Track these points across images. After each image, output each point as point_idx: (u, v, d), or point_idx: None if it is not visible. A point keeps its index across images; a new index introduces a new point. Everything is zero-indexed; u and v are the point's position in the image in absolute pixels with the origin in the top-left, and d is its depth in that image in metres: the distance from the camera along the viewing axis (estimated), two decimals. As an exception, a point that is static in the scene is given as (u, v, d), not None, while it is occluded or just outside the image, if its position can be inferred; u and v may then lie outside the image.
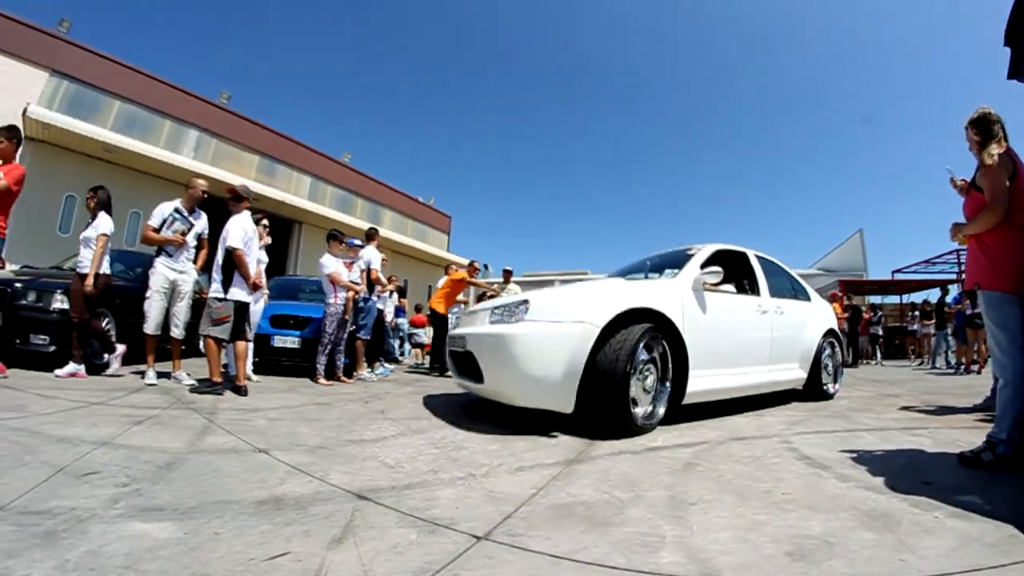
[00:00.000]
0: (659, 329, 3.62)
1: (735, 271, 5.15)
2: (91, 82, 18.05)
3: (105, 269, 5.18)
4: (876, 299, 22.15)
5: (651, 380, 3.61)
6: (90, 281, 4.98)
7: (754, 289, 5.07)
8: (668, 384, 3.73)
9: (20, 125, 15.58)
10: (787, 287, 5.71)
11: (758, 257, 5.37)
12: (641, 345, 3.40)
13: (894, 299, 22.72)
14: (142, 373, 5.12)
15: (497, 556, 1.52)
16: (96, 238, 5.12)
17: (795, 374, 5.25)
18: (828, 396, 5.53)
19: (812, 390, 5.45)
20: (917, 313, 15.59)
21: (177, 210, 5.29)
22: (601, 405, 3.28)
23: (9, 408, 3.28)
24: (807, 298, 5.95)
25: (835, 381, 5.82)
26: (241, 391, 4.66)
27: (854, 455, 2.73)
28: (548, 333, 3.34)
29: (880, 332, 16.32)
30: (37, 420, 3.02)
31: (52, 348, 5.23)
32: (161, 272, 5.15)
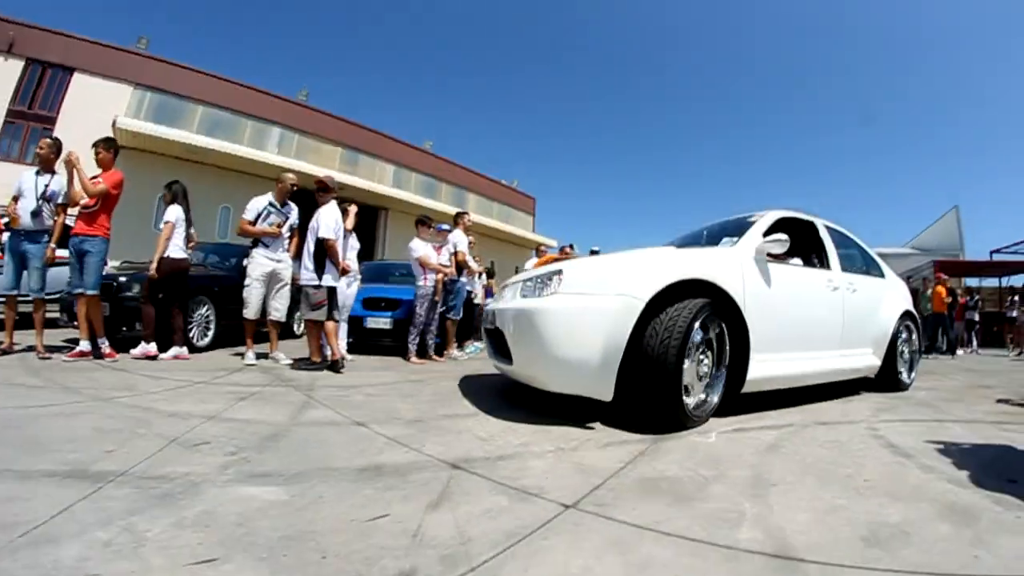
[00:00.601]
0: (716, 305, 3.17)
1: (801, 243, 4.58)
2: (173, 91, 19.81)
3: (177, 254, 5.46)
4: (973, 281, 20.55)
5: (707, 365, 3.20)
6: (153, 266, 5.32)
7: (823, 263, 4.53)
8: (724, 369, 3.32)
9: (112, 136, 16.96)
10: (859, 261, 5.14)
11: (827, 227, 4.80)
12: (697, 324, 2.97)
13: (992, 282, 20.79)
14: (240, 355, 5.50)
15: (583, 524, 1.63)
16: (162, 226, 5.47)
17: (868, 361, 4.70)
18: (903, 387, 4.98)
19: (885, 379, 4.88)
20: (1016, 298, 14.15)
21: (271, 203, 5.62)
22: (648, 393, 2.92)
23: (122, 388, 3.60)
24: (881, 274, 5.36)
25: (911, 370, 5.26)
26: (337, 368, 4.97)
27: (940, 446, 2.67)
28: (583, 308, 2.95)
29: (976, 318, 14.84)
30: (148, 398, 3.31)
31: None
32: (260, 262, 5.49)
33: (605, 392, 2.90)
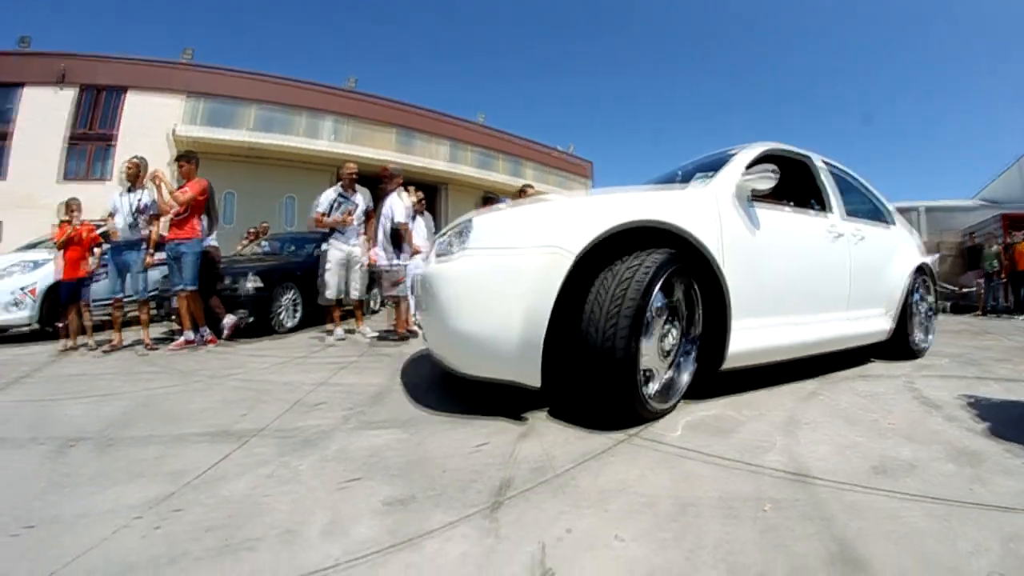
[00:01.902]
0: (683, 260, 2.51)
1: (794, 185, 3.95)
2: (224, 94, 21.08)
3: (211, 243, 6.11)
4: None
5: (672, 337, 2.60)
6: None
7: (823, 207, 3.79)
8: (695, 341, 2.74)
9: (171, 145, 18.76)
10: (865, 206, 4.38)
11: (826, 164, 4.04)
12: (657, 287, 2.31)
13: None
14: (329, 332, 6.10)
15: (638, 448, 2.06)
16: None
17: (878, 324, 4.01)
18: (918, 352, 4.32)
19: (897, 345, 4.21)
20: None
21: (340, 194, 6.09)
22: (591, 385, 2.30)
23: (232, 367, 4.17)
24: (890, 221, 4.60)
25: (927, 333, 4.62)
26: (409, 339, 5.65)
27: (971, 400, 2.82)
28: (493, 267, 2.37)
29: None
30: (259, 373, 3.85)
31: (251, 319, 6.35)
32: (335, 250, 6.00)
33: (529, 376, 2.31)
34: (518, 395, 2.57)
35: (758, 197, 3.06)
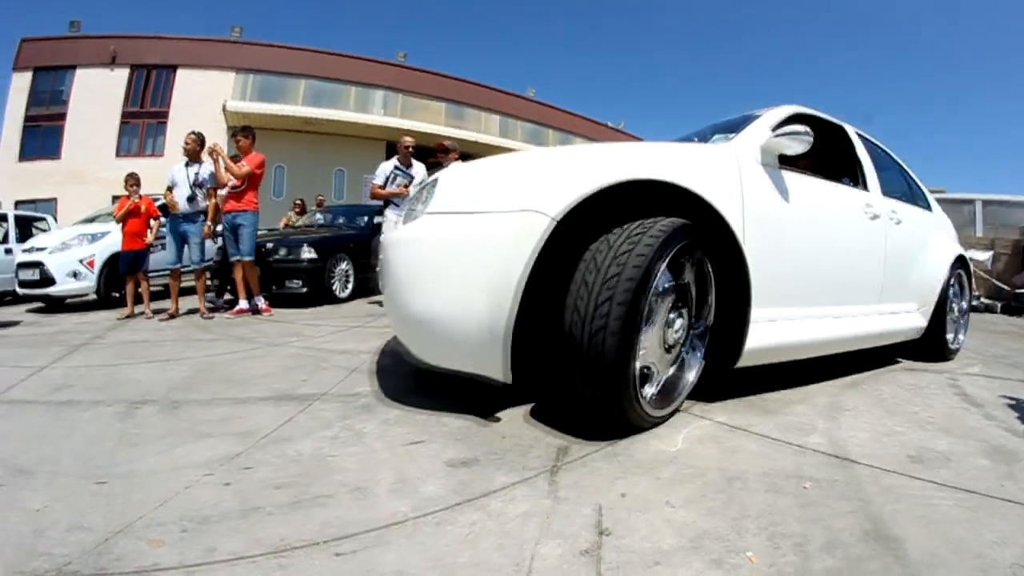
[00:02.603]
0: (695, 231, 2.07)
1: (826, 156, 3.45)
2: (274, 70, 21.62)
3: None
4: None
5: (679, 327, 2.16)
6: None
7: (858, 183, 3.30)
8: (704, 333, 2.32)
9: (223, 120, 19.55)
10: (902, 187, 3.93)
11: (862, 137, 3.55)
12: (664, 262, 1.88)
13: None
14: (379, 303, 6.27)
15: (691, 420, 2.16)
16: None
17: (911, 321, 3.53)
18: (949, 354, 3.83)
19: (929, 345, 3.71)
20: None
21: (396, 167, 6.20)
22: (574, 384, 1.89)
23: (289, 335, 4.36)
24: (928, 206, 4.13)
25: (960, 333, 4.13)
26: None
27: (1012, 402, 2.78)
28: (453, 235, 1.97)
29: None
30: (315, 340, 4.03)
31: (305, 289, 6.58)
32: (392, 221, 6.12)
33: (493, 369, 1.91)
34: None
35: (785, 164, 2.63)
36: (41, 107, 20.73)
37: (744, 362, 2.32)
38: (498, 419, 2.15)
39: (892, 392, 2.82)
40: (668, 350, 2.16)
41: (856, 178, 3.32)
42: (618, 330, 1.75)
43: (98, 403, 2.55)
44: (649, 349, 2.02)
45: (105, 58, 20.64)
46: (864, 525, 1.37)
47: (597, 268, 1.83)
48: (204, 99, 20.21)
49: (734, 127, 2.73)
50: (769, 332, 2.41)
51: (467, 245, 1.93)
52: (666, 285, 2.05)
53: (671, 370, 2.22)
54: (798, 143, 2.45)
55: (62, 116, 20.56)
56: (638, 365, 1.90)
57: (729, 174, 2.32)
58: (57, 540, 1.33)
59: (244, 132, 5.92)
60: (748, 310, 2.26)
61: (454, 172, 2.26)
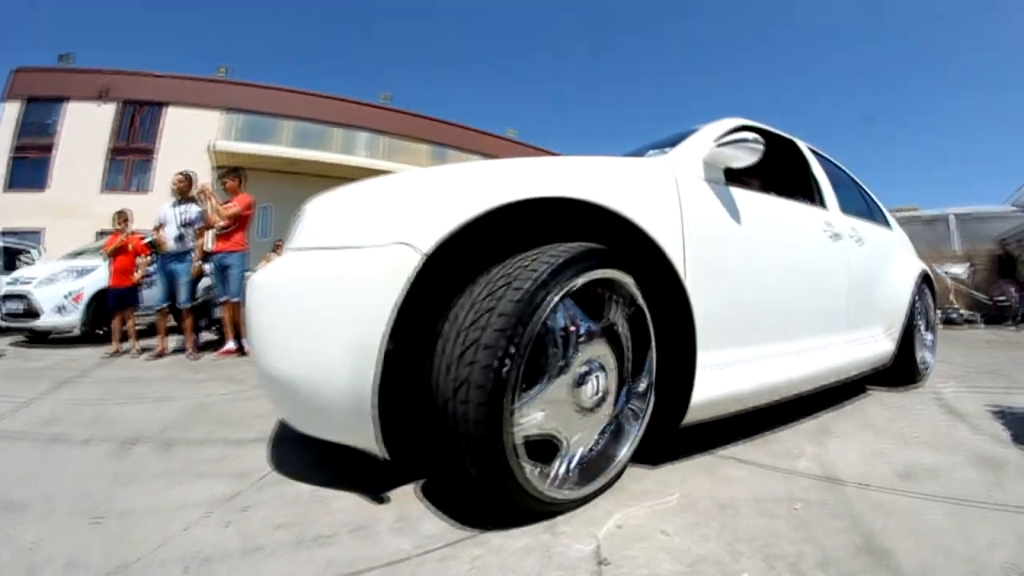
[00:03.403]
0: (617, 260, 1.71)
1: (777, 175, 3.09)
2: (260, 110, 22.01)
3: None
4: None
5: (597, 385, 1.68)
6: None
7: (814, 201, 3.00)
8: (646, 388, 1.85)
9: (209, 159, 19.73)
10: (859, 204, 3.66)
11: (815, 152, 3.28)
12: (556, 296, 1.49)
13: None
14: None
15: (623, 503, 2.02)
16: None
17: (879, 347, 3.24)
18: (919, 376, 3.61)
19: (899, 369, 3.47)
20: None
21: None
22: (451, 452, 1.48)
23: None
24: (886, 223, 3.95)
25: (930, 351, 3.94)
26: None
27: (997, 411, 2.83)
28: (313, 277, 1.62)
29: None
30: None
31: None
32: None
33: (365, 440, 1.53)
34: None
35: (733, 182, 2.29)
36: (30, 137, 20.75)
37: (692, 418, 1.94)
38: (386, 499, 1.75)
39: (879, 414, 2.85)
40: (585, 412, 1.68)
41: (812, 196, 3.03)
42: (482, 383, 1.37)
43: (89, 440, 2.54)
44: (550, 412, 1.58)
45: (95, 92, 20.80)
46: (856, 541, 1.40)
47: (471, 305, 1.47)
48: (191, 137, 20.44)
49: (672, 142, 2.35)
50: (721, 379, 2.02)
51: (329, 289, 1.57)
52: (585, 329, 1.66)
53: (595, 439, 1.75)
54: (746, 153, 2.12)
55: (50, 148, 20.61)
56: (521, 434, 1.47)
57: (664, 191, 1.95)
58: None
59: (233, 174, 5.98)
60: (692, 352, 1.88)
61: (325, 197, 1.89)
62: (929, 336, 4.01)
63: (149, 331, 6.62)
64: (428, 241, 1.45)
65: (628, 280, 1.75)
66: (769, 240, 2.40)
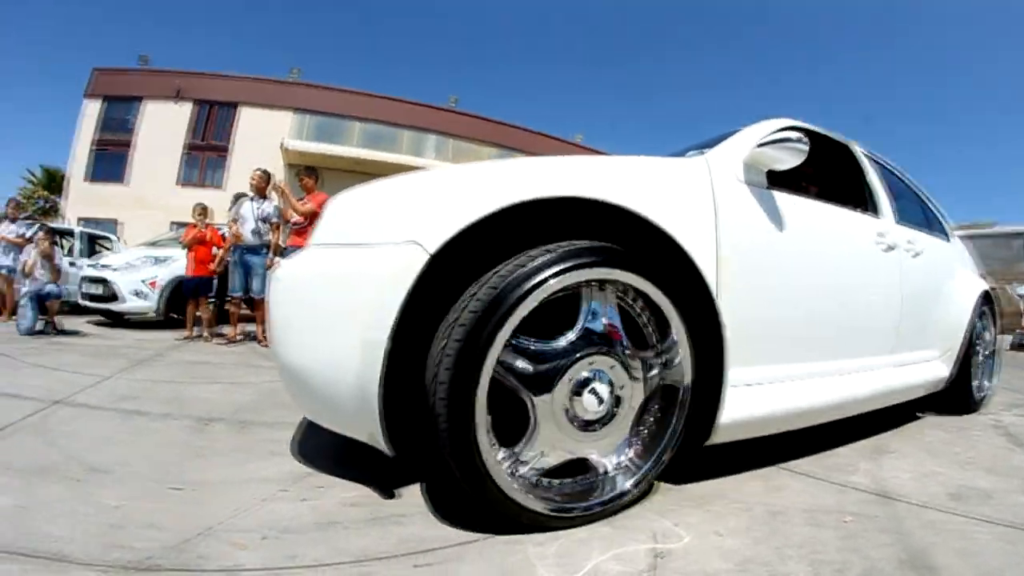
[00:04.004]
0: (636, 264, 1.63)
1: (827, 179, 3.05)
2: (330, 111, 22.89)
3: None
4: None
5: (601, 400, 1.59)
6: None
7: (867, 208, 2.77)
8: (670, 409, 1.77)
9: (281, 158, 20.71)
10: (917, 213, 3.35)
11: (871, 157, 3.04)
12: (542, 290, 1.46)
13: None
14: None
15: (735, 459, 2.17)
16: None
17: (933, 371, 3.01)
18: (974, 406, 3.34)
19: (954, 395, 3.21)
20: None
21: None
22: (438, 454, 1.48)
23: None
24: (945, 235, 3.59)
25: (989, 378, 3.65)
26: None
27: None
28: (328, 273, 1.67)
29: None
30: None
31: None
32: None
33: (374, 436, 1.56)
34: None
35: (777, 184, 2.14)
36: (109, 133, 22.18)
37: (718, 438, 1.85)
38: (395, 495, 1.79)
39: (935, 435, 2.83)
40: (584, 427, 1.61)
41: (865, 204, 2.80)
42: (444, 380, 1.41)
43: (167, 416, 2.72)
44: (548, 428, 1.55)
45: (171, 92, 22.01)
46: (901, 555, 1.44)
47: (459, 303, 1.49)
48: (263, 136, 21.41)
49: (715, 143, 2.21)
50: (753, 398, 1.91)
51: (342, 285, 1.61)
52: (577, 335, 1.59)
53: (609, 461, 1.70)
54: (789, 154, 1.97)
55: (128, 144, 21.91)
56: (481, 441, 1.44)
57: (697, 193, 1.85)
58: (136, 535, 1.41)
59: (309, 172, 6.21)
60: (723, 372, 1.78)
61: (347, 194, 1.90)
62: (989, 362, 3.73)
63: (220, 318, 6.97)
64: (437, 240, 1.46)
65: (644, 285, 1.65)
66: (812, 248, 2.25)
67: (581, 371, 1.58)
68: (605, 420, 1.65)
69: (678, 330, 1.71)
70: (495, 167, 1.79)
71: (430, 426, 1.46)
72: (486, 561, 1.37)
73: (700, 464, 2.04)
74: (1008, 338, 8.47)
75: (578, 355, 1.58)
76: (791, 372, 2.11)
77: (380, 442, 1.56)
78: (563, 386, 1.56)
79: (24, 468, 1.90)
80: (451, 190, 1.64)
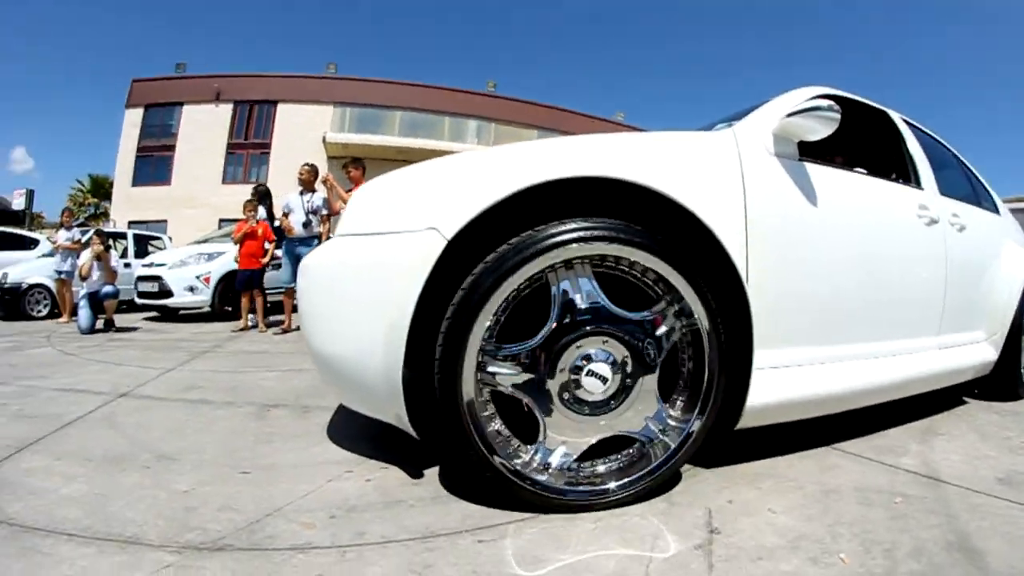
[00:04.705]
0: (654, 242, 1.59)
1: (865, 151, 2.87)
2: (370, 103, 23.23)
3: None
4: None
5: (598, 383, 1.57)
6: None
7: (908, 180, 2.62)
8: (689, 396, 1.72)
9: (323, 151, 21.27)
10: (963, 185, 3.17)
11: (910, 124, 2.86)
12: (533, 264, 1.51)
13: None
14: None
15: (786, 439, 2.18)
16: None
17: (978, 354, 2.84)
18: (1022, 392, 3.12)
19: (997, 381, 3.04)
20: None
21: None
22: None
23: None
24: (994, 208, 3.38)
25: None
26: None
27: None
28: (352, 262, 1.71)
29: None
30: None
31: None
32: None
33: (401, 419, 1.64)
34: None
35: (812, 156, 2.05)
36: (152, 139, 23.03)
37: (749, 422, 1.82)
38: (422, 475, 1.86)
39: (987, 418, 2.80)
40: (581, 410, 1.62)
41: (906, 175, 2.65)
42: (442, 347, 1.50)
43: (230, 403, 2.84)
44: (557, 405, 1.59)
45: (210, 95, 22.76)
46: (949, 537, 1.46)
47: (467, 286, 1.54)
48: (304, 131, 21.90)
49: (742, 116, 2.11)
50: (782, 381, 1.85)
51: (365, 274, 1.65)
52: (587, 304, 1.59)
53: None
54: (821, 123, 1.86)
55: (171, 147, 22.77)
56: (479, 415, 1.55)
57: (723, 166, 1.78)
58: (208, 518, 1.48)
59: (355, 163, 6.34)
60: (750, 353, 1.73)
61: (370, 184, 1.96)
62: None
63: (273, 308, 7.18)
64: (454, 226, 1.49)
65: (653, 261, 1.60)
66: (849, 224, 2.12)
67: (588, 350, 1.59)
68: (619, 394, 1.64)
69: (699, 314, 1.65)
70: (509, 150, 1.76)
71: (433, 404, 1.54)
72: (546, 535, 1.45)
73: (752, 444, 2.10)
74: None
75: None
76: (827, 354, 2.02)
77: (407, 424, 1.63)
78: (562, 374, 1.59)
79: (98, 457, 2.03)
80: (466, 176, 1.66)
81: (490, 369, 1.56)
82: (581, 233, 1.53)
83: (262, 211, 7.02)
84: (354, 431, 2.35)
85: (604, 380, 1.58)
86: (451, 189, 1.61)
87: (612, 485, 1.62)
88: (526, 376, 1.56)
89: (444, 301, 1.52)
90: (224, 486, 1.73)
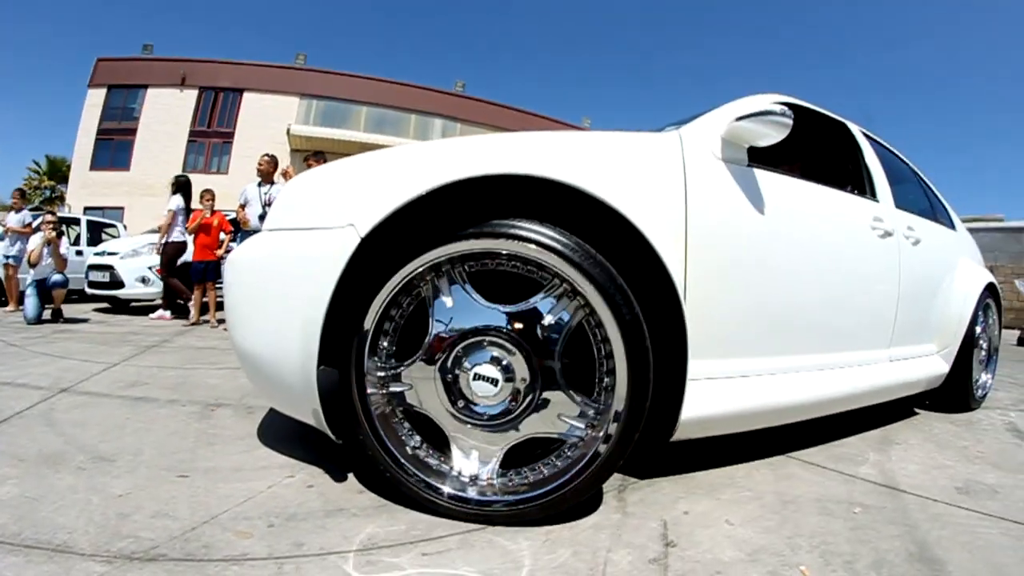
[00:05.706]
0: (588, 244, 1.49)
1: (821, 162, 2.90)
2: (336, 96, 22.82)
3: (178, 238, 6.77)
4: None
5: (490, 385, 1.52)
6: (159, 248, 6.83)
7: (864, 192, 2.61)
8: (610, 400, 1.52)
9: (287, 143, 20.89)
10: (920, 200, 3.21)
11: (869, 137, 2.89)
12: (423, 259, 1.50)
13: None
14: None
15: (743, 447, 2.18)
16: (166, 213, 6.74)
17: (930, 366, 2.87)
18: (973, 404, 3.21)
19: (950, 393, 3.09)
20: None
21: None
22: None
23: None
24: (950, 224, 3.45)
25: (989, 374, 3.49)
26: None
27: None
28: (272, 257, 1.70)
29: None
30: None
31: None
32: None
33: (314, 414, 1.60)
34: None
35: (763, 164, 2.00)
36: (113, 121, 22.29)
37: (686, 433, 1.73)
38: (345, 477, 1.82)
39: (944, 428, 2.83)
40: (460, 420, 1.59)
41: (862, 188, 2.64)
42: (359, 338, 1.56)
43: (173, 401, 2.73)
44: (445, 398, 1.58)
45: (175, 79, 22.16)
46: (910, 548, 1.44)
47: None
48: (269, 121, 21.51)
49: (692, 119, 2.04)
50: (718, 394, 1.77)
51: (284, 269, 1.64)
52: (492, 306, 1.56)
53: (478, 465, 1.60)
54: (771, 128, 1.79)
55: (133, 131, 22.07)
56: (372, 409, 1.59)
57: (664, 169, 1.72)
58: (142, 524, 1.40)
59: (316, 156, 6.18)
60: (683, 357, 1.61)
61: (297, 179, 1.93)
62: (989, 357, 3.56)
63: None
64: (369, 222, 1.47)
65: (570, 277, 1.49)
66: (798, 232, 2.07)
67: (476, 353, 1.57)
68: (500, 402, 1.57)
69: (609, 325, 1.50)
70: (433, 146, 1.73)
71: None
72: (494, 548, 1.38)
73: (710, 452, 2.08)
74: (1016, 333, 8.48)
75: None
76: (774, 365, 1.98)
77: (323, 425, 1.60)
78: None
79: (32, 457, 1.91)
80: (389, 172, 1.63)
81: (392, 388, 1.59)
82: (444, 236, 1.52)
83: (177, 200, 6.82)
84: (298, 433, 2.26)
85: (494, 383, 1.53)
86: (371, 185, 1.59)
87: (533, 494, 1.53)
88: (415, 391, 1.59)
89: (360, 298, 1.53)
90: (161, 490, 1.65)
